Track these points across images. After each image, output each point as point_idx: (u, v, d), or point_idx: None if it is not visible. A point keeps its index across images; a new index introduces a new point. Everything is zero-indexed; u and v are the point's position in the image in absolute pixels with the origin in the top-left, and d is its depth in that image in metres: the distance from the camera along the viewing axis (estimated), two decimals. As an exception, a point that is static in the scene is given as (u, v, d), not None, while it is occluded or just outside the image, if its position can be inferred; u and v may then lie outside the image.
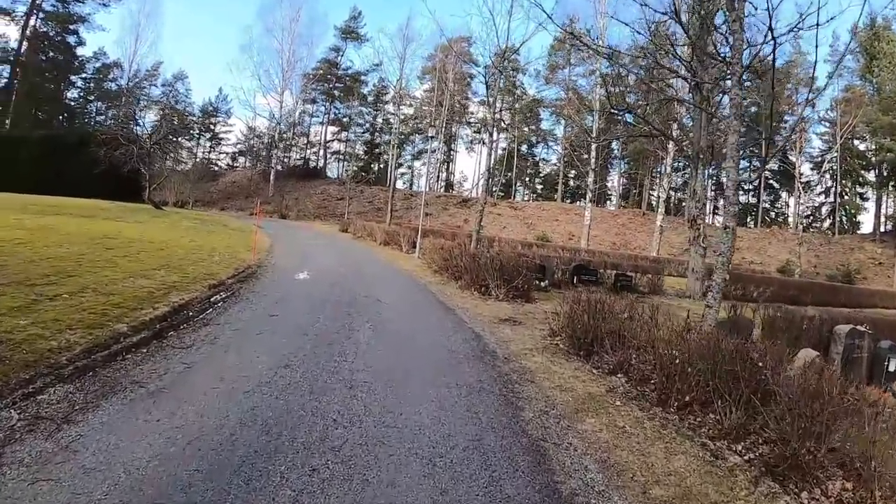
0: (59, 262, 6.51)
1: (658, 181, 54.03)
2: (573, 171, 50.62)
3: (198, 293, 6.53)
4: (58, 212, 13.09)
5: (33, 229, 9.04)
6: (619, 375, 5.15)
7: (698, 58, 12.84)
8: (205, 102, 54.37)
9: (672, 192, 55.58)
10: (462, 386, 4.36)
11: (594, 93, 37.47)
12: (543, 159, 59.39)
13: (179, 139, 47.05)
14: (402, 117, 30.59)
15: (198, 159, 52.31)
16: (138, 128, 21.52)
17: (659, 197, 37.81)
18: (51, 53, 37.62)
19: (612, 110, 15.90)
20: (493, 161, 16.46)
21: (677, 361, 4.51)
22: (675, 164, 41.63)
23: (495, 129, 14.51)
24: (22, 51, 34.36)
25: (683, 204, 44.81)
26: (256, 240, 13.05)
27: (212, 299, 6.58)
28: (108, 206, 16.97)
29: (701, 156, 14.81)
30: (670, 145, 33.00)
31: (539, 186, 60.02)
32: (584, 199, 43.35)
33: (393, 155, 34.68)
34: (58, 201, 16.14)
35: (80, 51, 38.46)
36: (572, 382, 4.86)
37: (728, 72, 8.02)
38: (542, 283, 11.33)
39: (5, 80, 34.07)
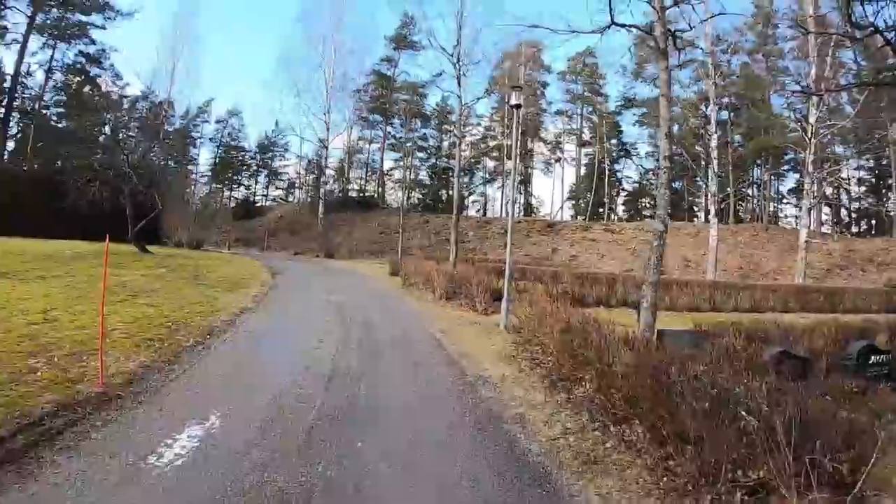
0: None
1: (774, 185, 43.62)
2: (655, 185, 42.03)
3: None
4: None
5: None
6: None
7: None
8: (260, 137, 51.63)
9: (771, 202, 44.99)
10: None
11: (708, 82, 29.31)
12: (626, 176, 51.46)
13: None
14: (463, 100, 21.51)
15: (256, 196, 49.93)
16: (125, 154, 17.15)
17: (804, 206, 27.58)
18: (89, 90, 36.21)
19: (851, 33, 8.56)
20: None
21: None
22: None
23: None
24: (22, 79, 32.23)
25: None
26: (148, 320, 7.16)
27: None
28: (53, 251, 12.14)
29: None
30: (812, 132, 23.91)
31: (622, 206, 51.48)
32: (700, 214, 34.50)
33: (459, 152, 24.44)
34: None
35: (128, 91, 36.85)
36: None
37: None
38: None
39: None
